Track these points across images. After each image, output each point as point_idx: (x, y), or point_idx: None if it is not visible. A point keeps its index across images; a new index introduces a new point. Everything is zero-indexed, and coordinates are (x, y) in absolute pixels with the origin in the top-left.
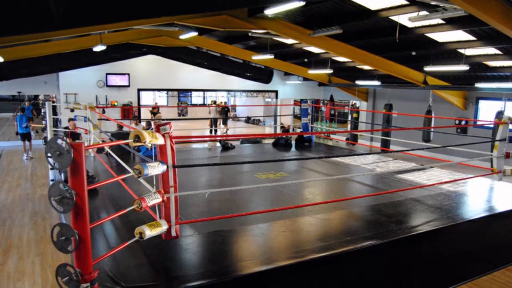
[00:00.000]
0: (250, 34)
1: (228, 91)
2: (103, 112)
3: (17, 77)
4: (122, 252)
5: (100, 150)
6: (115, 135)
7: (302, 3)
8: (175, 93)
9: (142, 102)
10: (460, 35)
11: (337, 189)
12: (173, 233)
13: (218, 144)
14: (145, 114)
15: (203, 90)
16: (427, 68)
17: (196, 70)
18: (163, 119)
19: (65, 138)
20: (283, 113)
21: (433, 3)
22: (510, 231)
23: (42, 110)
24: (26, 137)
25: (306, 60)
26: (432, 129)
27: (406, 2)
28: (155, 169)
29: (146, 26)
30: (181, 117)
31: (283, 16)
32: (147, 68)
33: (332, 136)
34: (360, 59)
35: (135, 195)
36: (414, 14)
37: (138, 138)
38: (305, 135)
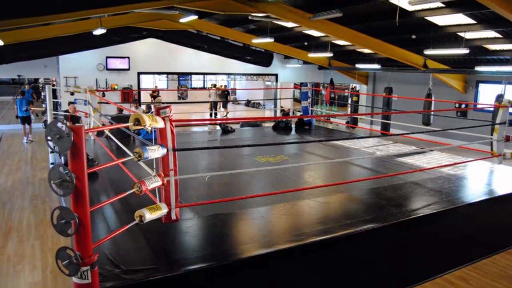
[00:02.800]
0: (250, 18)
1: (228, 74)
2: (103, 95)
3: (17, 61)
4: (122, 235)
5: (100, 134)
6: (115, 119)
7: None
8: (175, 76)
9: (142, 86)
10: (460, 18)
11: (337, 173)
12: (173, 217)
13: (218, 127)
14: (145, 97)
15: (203, 74)
16: (427, 52)
17: (196, 54)
18: (163, 103)
19: (65, 121)
20: (283, 96)
21: None
22: (510, 215)
23: (42, 94)
24: (26, 120)
25: (306, 43)
26: (432, 113)
27: None
28: (155, 152)
29: (146, 9)
30: (181, 101)
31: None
32: (147, 51)
33: (332, 119)
34: (360, 42)
35: (135, 179)
36: None
37: (138, 121)
38: (305, 119)
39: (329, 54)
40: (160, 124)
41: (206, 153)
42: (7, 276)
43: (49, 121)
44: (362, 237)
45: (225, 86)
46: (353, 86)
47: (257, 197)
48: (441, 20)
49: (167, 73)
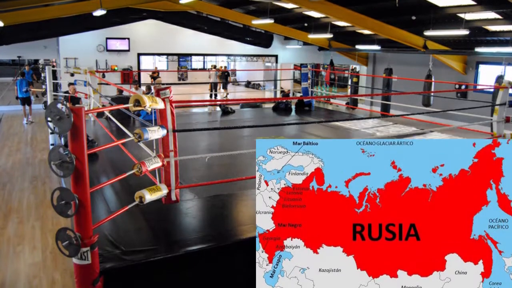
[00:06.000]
0: None
1: (228, 55)
2: (103, 76)
3: (17, 42)
4: (122, 216)
5: (100, 115)
6: (115, 100)
7: None
8: (175, 57)
9: (142, 67)
10: None
11: None
12: (173, 197)
13: (218, 108)
14: (145, 78)
15: (203, 55)
16: (427, 33)
17: (196, 35)
18: (163, 84)
19: (65, 102)
20: (283, 77)
21: None
22: None
23: (42, 75)
24: (26, 101)
25: (306, 24)
26: (432, 94)
27: None
28: (155, 133)
29: None
30: (181, 82)
31: None
32: (147, 32)
33: (332, 100)
34: (360, 23)
35: (135, 160)
36: None
37: (138, 102)
38: (305, 100)
39: (329, 35)
40: (160, 105)
41: (206, 134)
42: (7, 257)
43: (49, 102)
44: None
45: (225, 67)
46: (353, 67)
47: None
48: (441, 1)
49: (167, 54)
